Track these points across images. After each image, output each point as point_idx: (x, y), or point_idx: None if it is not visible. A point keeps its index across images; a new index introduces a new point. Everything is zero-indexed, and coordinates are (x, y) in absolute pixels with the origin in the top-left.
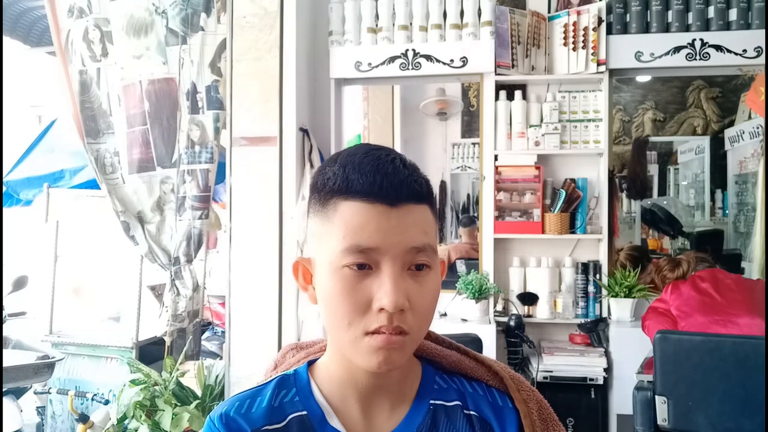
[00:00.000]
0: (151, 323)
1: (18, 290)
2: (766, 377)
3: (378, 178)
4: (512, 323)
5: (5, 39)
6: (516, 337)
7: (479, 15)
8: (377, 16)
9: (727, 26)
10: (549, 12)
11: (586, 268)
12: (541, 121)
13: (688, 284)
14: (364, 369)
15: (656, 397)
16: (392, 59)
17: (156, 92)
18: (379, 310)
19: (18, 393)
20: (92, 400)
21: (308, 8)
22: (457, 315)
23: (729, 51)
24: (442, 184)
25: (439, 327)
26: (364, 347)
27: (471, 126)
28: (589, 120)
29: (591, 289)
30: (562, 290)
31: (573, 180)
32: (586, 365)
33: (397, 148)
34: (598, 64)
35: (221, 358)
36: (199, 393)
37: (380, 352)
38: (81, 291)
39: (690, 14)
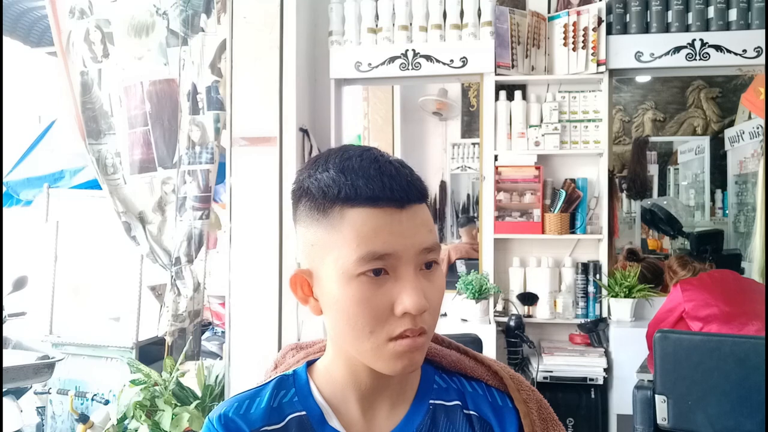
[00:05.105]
0: (151, 323)
1: (18, 290)
2: (766, 377)
3: (386, 180)
4: (512, 323)
5: (5, 39)
6: (516, 337)
7: (479, 15)
8: (377, 17)
9: (727, 26)
10: (549, 12)
11: (586, 268)
12: (541, 121)
13: (703, 276)
14: (383, 373)
15: (656, 396)
16: (392, 59)
17: (157, 93)
18: (403, 314)
19: (18, 393)
20: (92, 400)
21: (308, 8)
22: (457, 315)
23: (729, 51)
24: (442, 184)
25: (439, 327)
26: (388, 353)
27: (471, 126)
28: (589, 120)
29: (591, 289)
30: (562, 290)
31: (573, 180)
32: (586, 365)
33: (397, 148)
34: (598, 65)
35: (221, 358)
36: (199, 393)
37: (405, 356)
38: (81, 291)
39: (690, 14)
